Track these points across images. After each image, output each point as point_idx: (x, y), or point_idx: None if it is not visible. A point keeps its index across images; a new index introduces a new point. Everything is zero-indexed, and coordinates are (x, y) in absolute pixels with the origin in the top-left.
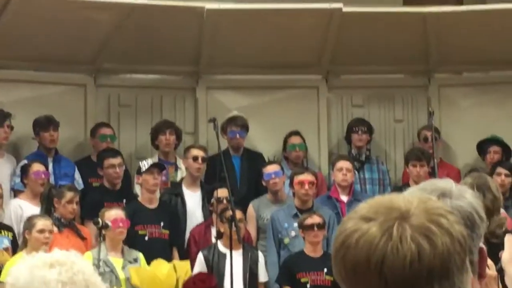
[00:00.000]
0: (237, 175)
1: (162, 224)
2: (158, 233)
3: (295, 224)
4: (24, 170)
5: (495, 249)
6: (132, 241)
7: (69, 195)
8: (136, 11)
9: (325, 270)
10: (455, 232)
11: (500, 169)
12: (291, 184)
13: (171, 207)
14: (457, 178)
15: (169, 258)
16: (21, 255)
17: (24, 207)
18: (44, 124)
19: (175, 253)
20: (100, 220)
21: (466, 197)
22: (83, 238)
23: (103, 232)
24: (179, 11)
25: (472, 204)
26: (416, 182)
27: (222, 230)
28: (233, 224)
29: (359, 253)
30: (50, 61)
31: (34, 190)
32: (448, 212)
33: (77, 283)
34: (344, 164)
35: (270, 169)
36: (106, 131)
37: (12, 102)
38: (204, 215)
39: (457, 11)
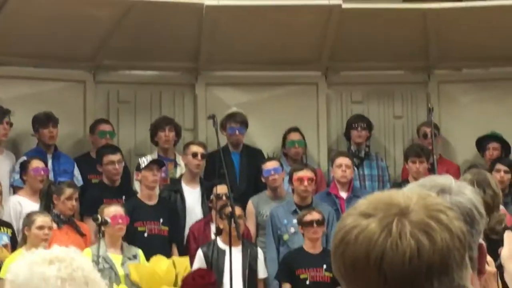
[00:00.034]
0: (236, 171)
1: (161, 220)
2: (158, 229)
3: (295, 221)
4: (24, 167)
5: (494, 245)
6: (132, 237)
7: (68, 191)
8: (135, 8)
9: (325, 266)
10: (455, 228)
11: (499, 166)
12: (290, 181)
13: (171, 204)
14: (457, 174)
15: (168, 255)
16: (21, 251)
17: (23, 204)
18: (43, 120)
19: (175, 250)
20: (99, 216)
21: (466, 193)
22: (82, 235)
23: (103, 228)
24: (178, 8)
25: (471, 200)
26: (416, 179)
27: (221, 226)
28: (232, 220)
29: (358, 249)
30: (49, 58)
31: (34, 187)
32: (447, 208)
33: (76, 279)
34: (343, 160)
35: (270, 165)
36: (105, 127)
37: (11, 99)
38: (204, 212)
39: (457, 7)
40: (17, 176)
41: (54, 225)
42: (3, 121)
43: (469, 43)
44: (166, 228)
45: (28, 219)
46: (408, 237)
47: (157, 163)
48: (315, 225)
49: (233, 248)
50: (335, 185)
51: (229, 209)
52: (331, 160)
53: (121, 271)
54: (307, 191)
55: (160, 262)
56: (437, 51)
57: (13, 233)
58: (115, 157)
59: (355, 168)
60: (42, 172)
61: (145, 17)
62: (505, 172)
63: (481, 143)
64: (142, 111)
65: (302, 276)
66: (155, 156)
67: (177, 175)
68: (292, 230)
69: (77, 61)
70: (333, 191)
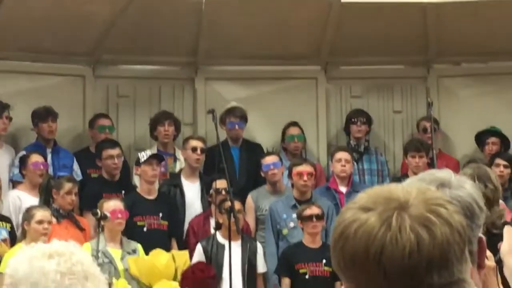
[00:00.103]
0: (236, 166)
1: (161, 215)
2: (157, 224)
3: (294, 215)
4: (23, 161)
5: (494, 240)
6: (131, 232)
7: (67, 186)
8: (134, 2)
9: (324, 261)
10: (455, 222)
11: (498, 160)
12: (290, 175)
13: (170, 198)
14: (456, 169)
15: (168, 249)
16: (20, 246)
17: (22, 198)
18: (42, 115)
19: (174, 244)
20: (98, 211)
21: (466, 187)
22: (82, 229)
23: (102, 223)
24: (177, 2)
25: (471, 194)
26: (415, 173)
27: (221, 221)
28: (231, 215)
29: (357, 244)
30: (48, 52)
31: (33, 181)
32: (447, 202)
33: (76, 273)
34: (343, 155)
35: (269, 160)
36: (104, 122)
37: (11, 93)
38: (203, 206)
39: (456, 2)
40: (16, 171)
41: (54, 220)
42: (3, 115)
43: (469, 37)
44: (165, 223)
45: (28, 213)
46: (408, 231)
47: (157, 158)
48: (314, 219)
49: (232, 243)
50: (335, 179)
51: (228, 203)
52: (330, 155)
53: (120, 266)
54: (307, 185)
55: (159, 256)
56: (436, 46)
57: (12, 227)
58: (115, 151)
59: (355, 163)
60: (42, 167)
61: (144, 12)
62: (505, 166)
63: (480, 138)
64: (142, 105)
65: (301, 271)
66: (154, 150)
67: (177, 169)
68: (292, 224)
69: (77, 55)
70: (332, 185)
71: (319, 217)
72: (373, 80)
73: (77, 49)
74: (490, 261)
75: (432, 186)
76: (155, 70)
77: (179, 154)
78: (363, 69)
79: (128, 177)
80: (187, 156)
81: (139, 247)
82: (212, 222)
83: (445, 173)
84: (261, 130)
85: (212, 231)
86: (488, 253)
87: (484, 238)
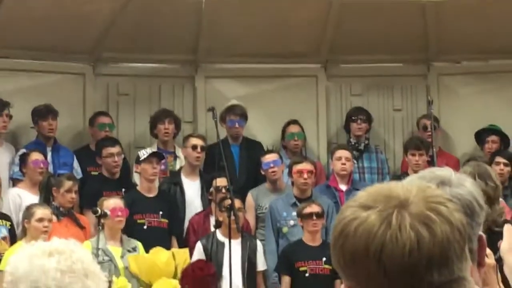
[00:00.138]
0: (236, 164)
1: (161, 213)
2: (157, 222)
3: (294, 213)
4: (23, 159)
5: (494, 238)
6: (131, 230)
7: (68, 184)
8: (134, 0)
9: (324, 259)
10: (455, 220)
11: (499, 158)
12: (290, 173)
13: (170, 196)
14: (456, 167)
15: (168, 247)
16: (20, 244)
17: (23, 196)
18: (43, 113)
19: (174, 242)
20: (99, 209)
21: (466, 185)
22: (82, 227)
23: (102, 221)
24: (177, 0)
25: (471, 192)
26: (415, 171)
27: (221, 219)
28: (232, 213)
29: (358, 242)
30: (49, 50)
31: (33, 179)
32: (447, 200)
33: (76, 271)
34: (343, 153)
35: (269, 158)
36: (104, 120)
37: (11, 91)
38: (203, 204)
39: (456, 0)
40: (16, 169)
41: (54, 218)
42: (3, 113)
43: (469, 35)
44: (165, 221)
45: (28, 211)
46: (408, 229)
47: (157, 156)
48: (314, 217)
49: (232, 241)
50: (335, 177)
51: (228, 201)
52: (330, 153)
53: (120, 264)
54: (307, 183)
55: (159, 254)
56: (436, 44)
57: (11, 225)
58: (115, 149)
59: (355, 161)
60: (42, 165)
61: (144, 10)
62: (505, 164)
63: (480, 136)
64: (142, 103)
65: (301, 269)
66: (154, 148)
67: (177, 167)
68: (292, 222)
69: (77, 53)
70: (332, 183)
71: (319, 215)
72: (373, 78)
73: (77, 47)
74: (490, 259)
75: (432, 184)
76: (155, 68)
77: (179, 152)
78: (363, 67)
79: (128, 175)
80: (187, 154)
81: (139, 245)
82: (212, 220)
83: (445, 171)
84: (261, 128)
85: (212, 229)
86: (488, 251)
87: (484, 236)
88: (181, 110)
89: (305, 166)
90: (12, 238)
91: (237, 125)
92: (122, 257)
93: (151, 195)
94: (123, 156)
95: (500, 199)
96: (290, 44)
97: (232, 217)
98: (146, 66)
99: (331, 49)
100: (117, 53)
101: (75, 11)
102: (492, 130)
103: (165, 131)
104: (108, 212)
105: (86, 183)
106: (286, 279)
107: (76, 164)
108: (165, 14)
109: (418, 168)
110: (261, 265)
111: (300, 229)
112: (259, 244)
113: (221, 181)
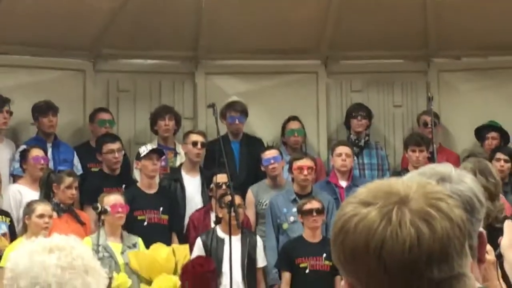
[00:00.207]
0: (236, 160)
1: (161, 209)
2: (157, 218)
3: (294, 209)
4: (23, 156)
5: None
6: (131, 226)
7: (68, 180)
8: None
9: (324, 255)
10: (455, 216)
11: (499, 155)
12: (290, 170)
13: (170, 193)
14: (456, 163)
15: (168, 244)
16: (21, 240)
17: (23, 192)
18: (43, 109)
19: (174, 238)
20: (99, 205)
21: (466, 181)
22: (82, 223)
23: (102, 217)
24: None
25: (472, 188)
26: (415, 167)
27: (221, 215)
28: (232, 209)
29: (358, 238)
30: (49, 47)
31: (33, 175)
32: (447, 196)
33: (76, 268)
34: (343, 149)
35: (269, 154)
36: (105, 116)
37: (11, 87)
38: (203, 201)
39: None
40: (17, 165)
41: (54, 214)
42: (3, 109)
43: (469, 31)
44: (166, 217)
45: (28, 207)
46: (408, 225)
47: (157, 152)
48: (314, 213)
49: (232, 237)
50: (335, 174)
51: (228, 198)
52: (331, 149)
53: (121, 260)
54: (307, 180)
55: (159, 250)
56: (436, 40)
57: (11, 222)
58: (115, 145)
59: (355, 157)
60: (42, 161)
61: (144, 6)
62: (505, 161)
63: (480, 133)
64: (142, 100)
65: (301, 265)
66: (155, 145)
67: (177, 164)
68: (292, 219)
69: (77, 50)
70: (332, 180)
71: (319, 211)
72: (374, 74)
73: (78, 44)
74: (490, 255)
75: (432, 180)
76: (156, 64)
77: (180, 149)
78: (363, 63)
79: (129, 171)
80: (188, 150)
81: (139, 241)
82: (212, 216)
83: (445, 167)
84: (262, 124)
85: (212, 225)
86: (488, 247)
87: (484, 232)
88: (181, 106)
89: (305, 162)
90: (12, 235)
91: (237, 122)
92: (122, 253)
93: (151, 192)
94: (123, 152)
95: (500, 195)
96: (290, 40)
97: (232, 214)
98: (146, 62)
99: (331, 45)
100: (117, 50)
101: (75, 7)
102: (492, 126)
103: (165, 127)
104: (109, 209)
105: (87, 179)
106: (286, 275)
107: (76, 160)
108: (166, 10)
109: (418, 164)
110: (261, 261)
111: (300, 226)
112: (259, 240)
113: (221, 178)
